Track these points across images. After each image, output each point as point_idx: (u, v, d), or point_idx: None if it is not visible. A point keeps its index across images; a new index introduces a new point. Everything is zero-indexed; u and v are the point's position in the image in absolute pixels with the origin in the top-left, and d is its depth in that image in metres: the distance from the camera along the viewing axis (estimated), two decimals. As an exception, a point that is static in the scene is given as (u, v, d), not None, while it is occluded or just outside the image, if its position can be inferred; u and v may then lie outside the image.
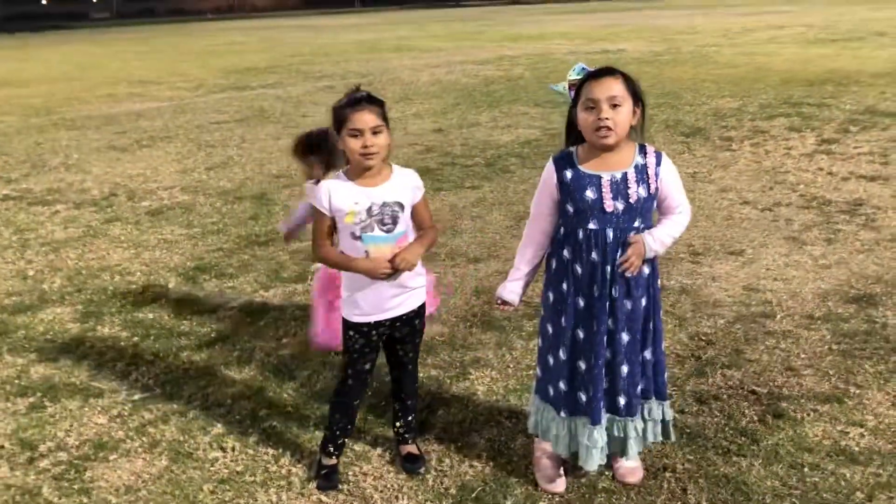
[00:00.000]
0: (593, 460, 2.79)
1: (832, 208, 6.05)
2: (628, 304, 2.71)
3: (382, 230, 2.75)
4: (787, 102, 10.52)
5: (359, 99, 2.69)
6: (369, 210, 2.74)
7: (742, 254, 5.23)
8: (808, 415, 3.33)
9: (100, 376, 3.93)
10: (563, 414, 2.83)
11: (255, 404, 3.61)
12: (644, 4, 44.92)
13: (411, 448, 3.14)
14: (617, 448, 2.88)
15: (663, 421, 2.89)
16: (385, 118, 2.74)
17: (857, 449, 3.09)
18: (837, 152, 7.74)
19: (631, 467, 2.98)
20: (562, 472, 2.97)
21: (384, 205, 2.76)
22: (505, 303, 2.92)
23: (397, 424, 3.16)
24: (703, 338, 4.07)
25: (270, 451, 3.25)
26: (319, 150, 3.65)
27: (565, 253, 2.73)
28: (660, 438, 2.93)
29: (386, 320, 2.88)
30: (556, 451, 2.91)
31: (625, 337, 2.73)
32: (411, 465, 3.09)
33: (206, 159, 8.91)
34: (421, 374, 3.76)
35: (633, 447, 2.85)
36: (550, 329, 2.83)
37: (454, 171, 7.78)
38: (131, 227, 6.44)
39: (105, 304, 4.86)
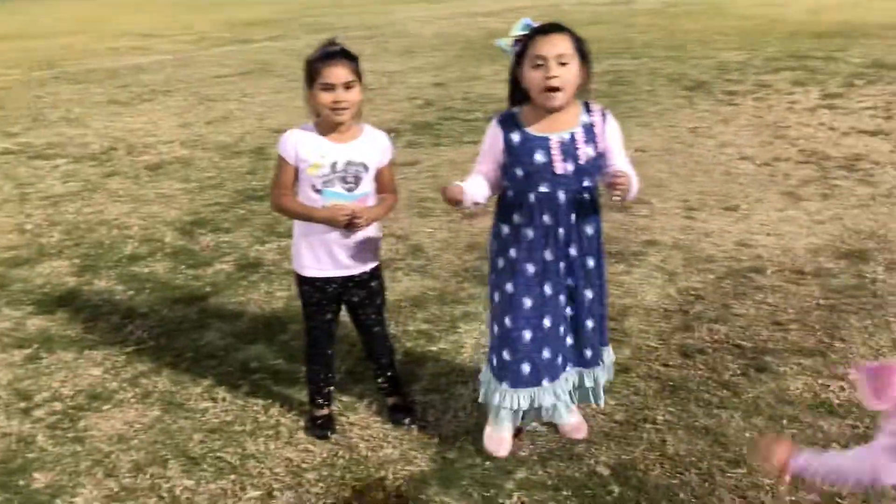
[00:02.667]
0: (560, 413, 2.85)
1: (831, 163, 6.01)
2: (590, 262, 2.71)
3: (344, 188, 2.75)
4: (793, 56, 10.37)
5: (332, 53, 2.66)
6: (333, 166, 2.73)
7: (737, 209, 5.22)
8: (791, 368, 3.37)
9: (95, 329, 4.00)
10: (504, 385, 2.78)
11: (245, 357, 3.67)
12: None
13: (397, 399, 3.20)
14: (586, 397, 2.93)
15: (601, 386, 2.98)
16: (358, 74, 2.71)
17: (836, 402, 3.13)
18: (840, 107, 7.66)
19: (576, 423, 3.01)
20: (509, 436, 2.94)
21: (349, 163, 2.74)
22: (457, 201, 2.59)
23: (379, 380, 3.21)
24: (693, 293, 4.09)
25: (260, 401, 3.31)
26: None
27: (515, 218, 2.66)
28: (600, 402, 3.00)
29: (337, 278, 2.88)
30: (504, 424, 2.86)
31: (588, 294, 2.74)
32: (397, 415, 3.15)
33: (205, 113, 8.89)
34: (410, 328, 3.83)
35: (602, 392, 2.93)
36: (497, 297, 2.77)
37: (454, 126, 7.74)
38: (130, 181, 6.46)
39: (102, 257, 4.91)
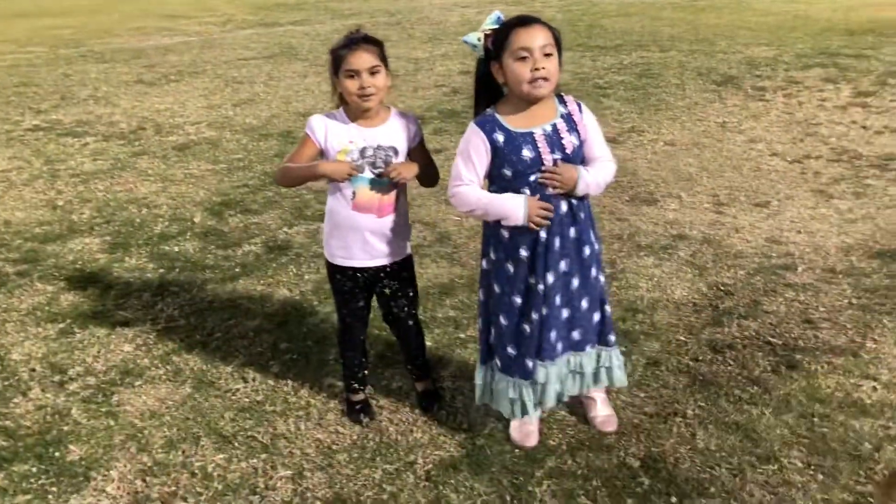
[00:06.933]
0: (549, 397, 2.82)
1: (863, 162, 5.95)
2: (587, 250, 2.68)
3: (374, 173, 2.73)
4: (824, 53, 10.24)
5: (356, 39, 2.64)
6: (363, 151, 2.70)
7: (767, 205, 5.18)
8: (822, 367, 3.35)
9: (126, 305, 4.04)
10: (517, 377, 2.77)
11: (275, 337, 3.69)
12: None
13: (426, 385, 3.21)
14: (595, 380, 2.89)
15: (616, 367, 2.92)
16: (384, 59, 2.69)
17: (868, 402, 3.11)
18: (873, 105, 7.56)
19: (606, 416, 3.01)
20: (535, 427, 2.95)
21: (378, 147, 2.71)
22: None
23: (409, 366, 3.22)
24: (722, 288, 4.07)
25: (290, 382, 3.34)
26: None
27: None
28: (616, 383, 2.95)
29: (369, 268, 2.85)
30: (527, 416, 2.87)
31: (575, 282, 2.70)
32: (426, 401, 3.16)
33: (232, 95, 8.92)
34: (439, 314, 3.83)
35: (589, 383, 2.87)
36: (499, 289, 2.73)
37: (480, 114, 7.72)
38: (158, 160, 6.51)
39: (132, 235, 4.95)
